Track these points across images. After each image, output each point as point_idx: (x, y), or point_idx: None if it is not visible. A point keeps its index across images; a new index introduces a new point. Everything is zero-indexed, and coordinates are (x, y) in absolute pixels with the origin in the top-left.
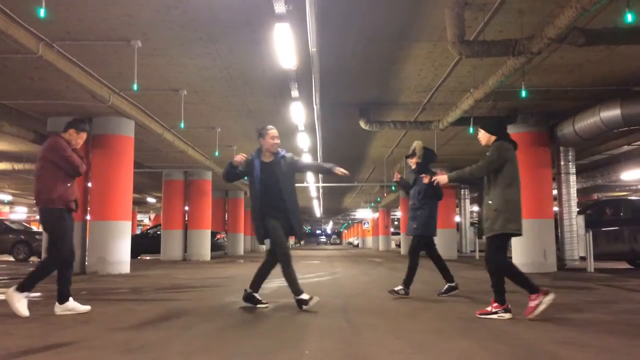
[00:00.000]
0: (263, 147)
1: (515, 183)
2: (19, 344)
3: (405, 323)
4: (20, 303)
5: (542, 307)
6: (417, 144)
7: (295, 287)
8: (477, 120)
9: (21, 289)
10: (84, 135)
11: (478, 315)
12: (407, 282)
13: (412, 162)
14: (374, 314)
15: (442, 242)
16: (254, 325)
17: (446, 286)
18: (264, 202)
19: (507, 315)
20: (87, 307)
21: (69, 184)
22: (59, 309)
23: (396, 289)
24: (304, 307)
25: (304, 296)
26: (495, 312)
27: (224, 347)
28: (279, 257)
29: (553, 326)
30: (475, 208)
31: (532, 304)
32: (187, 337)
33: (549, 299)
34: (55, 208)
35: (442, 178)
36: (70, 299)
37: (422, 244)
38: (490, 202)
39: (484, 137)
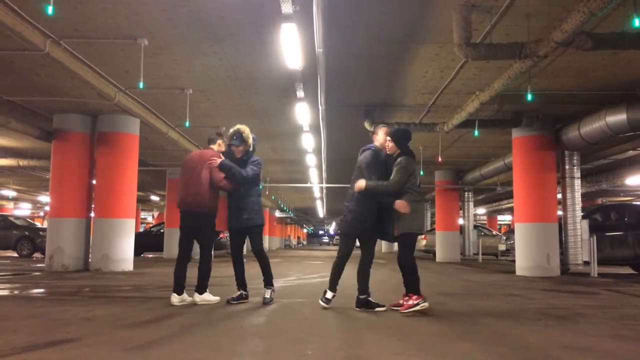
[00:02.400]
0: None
1: (416, 191)
2: (23, 340)
3: (408, 325)
4: (209, 296)
5: (417, 309)
6: (243, 128)
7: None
8: (479, 122)
9: (201, 291)
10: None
11: (402, 312)
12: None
13: (239, 151)
14: (377, 315)
15: (446, 244)
16: (256, 324)
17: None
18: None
19: (426, 304)
20: (217, 298)
21: (217, 192)
22: (198, 298)
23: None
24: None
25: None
26: (418, 304)
27: (226, 345)
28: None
29: (556, 330)
30: (480, 211)
31: (411, 302)
32: (189, 335)
33: (422, 305)
34: (215, 213)
35: (360, 184)
36: (207, 290)
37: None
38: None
39: (392, 148)
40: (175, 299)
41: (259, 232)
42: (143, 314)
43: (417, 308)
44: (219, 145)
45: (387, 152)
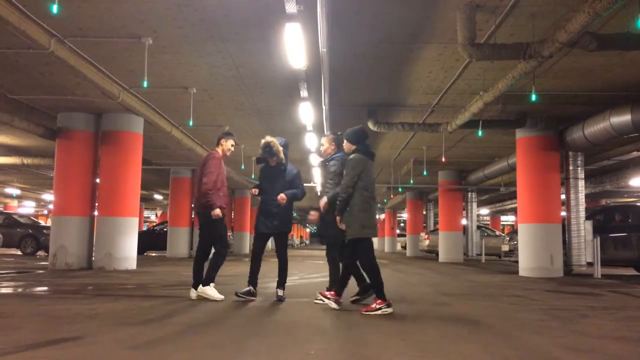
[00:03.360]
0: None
1: (369, 190)
2: (27, 337)
3: (411, 325)
4: (212, 291)
5: (378, 313)
6: (273, 142)
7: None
8: (483, 123)
9: (203, 283)
10: (230, 141)
11: (363, 312)
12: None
13: (272, 161)
14: (380, 316)
15: (449, 244)
16: (259, 323)
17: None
18: None
19: (389, 310)
20: (220, 296)
21: (220, 193)
22: (200, 289)
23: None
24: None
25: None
26: (380, 308)
27: (229, 344)
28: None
29: (560, 331)
30: (483, 211)
31: (374, 306)
32: (192, 334)
33: (389, 310)
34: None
35: (322, 202)
36: (212, 284)
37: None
38: (348, 208)
39: (347, 146)
40: (192, 293)
41: (286, 237)
42: (146, 312)
43: (379, 312)
44: (221, 146)
45: (346, 152)
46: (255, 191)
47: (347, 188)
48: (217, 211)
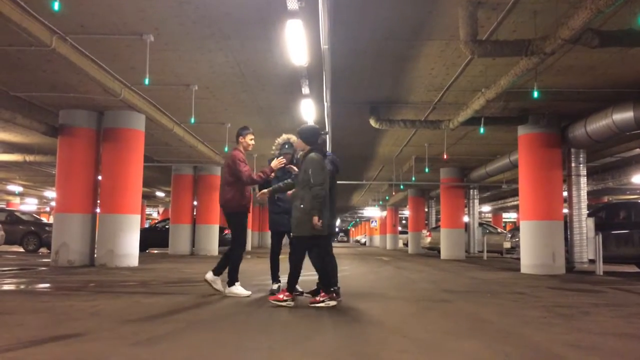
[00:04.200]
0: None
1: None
2: (29, 334)
3: (412, 322)
4: (238, 289)
5: (282, 304)
6: (294, 139)
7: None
8: (485, 120)
9: (231, 283)
10: (249, 136)
11: (310, 304)
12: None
13: (288, 158)
14: (381, 313)
15: (451, 241)
16: (260, 321)
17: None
18: None
19: (332, 303)
20: (247, 292)
21: (246, 191)
22: (227, 290)
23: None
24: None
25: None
26: (323, 301)
27: (230, 341)
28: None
29: (561, 328)
30: (485, 208)
31: (281, 296)
32: (194, 330)
33: (291, 303)
34: (236, 210)
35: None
36: (237, 283)
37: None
38: (301, 205)
39: (300, 144)
40: (209, 275)
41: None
42: (148, 309)
43: (284, 304)
44: (240, 143)
45: (300, 150)
46: (279, 163)
47: (322, 185)
48: (274, 162)
